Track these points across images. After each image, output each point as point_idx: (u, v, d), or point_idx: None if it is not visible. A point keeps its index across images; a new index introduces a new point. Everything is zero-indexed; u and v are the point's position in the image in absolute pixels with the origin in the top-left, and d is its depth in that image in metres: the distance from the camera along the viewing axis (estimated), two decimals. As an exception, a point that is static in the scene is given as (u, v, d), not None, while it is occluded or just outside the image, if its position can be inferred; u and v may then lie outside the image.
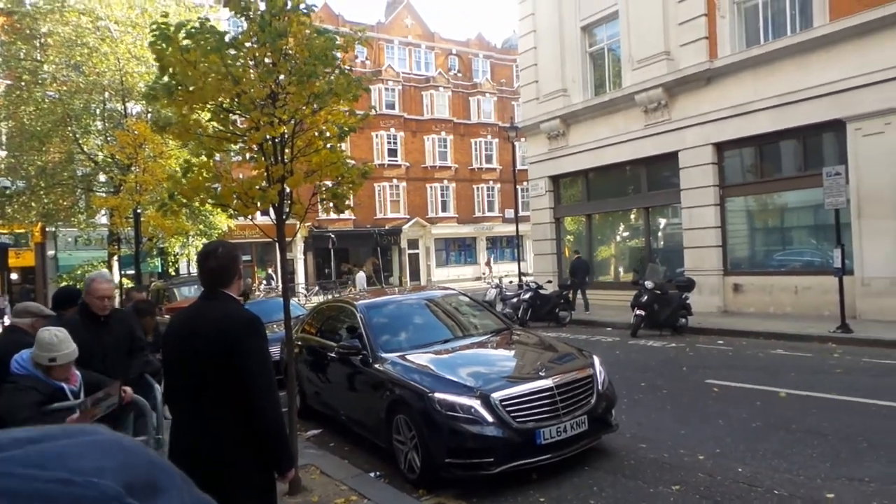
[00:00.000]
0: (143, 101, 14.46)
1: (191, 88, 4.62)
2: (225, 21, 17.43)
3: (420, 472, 5.13)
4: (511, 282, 19.31)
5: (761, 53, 13.36)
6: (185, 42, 4.55)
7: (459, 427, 4.88)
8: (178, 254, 21.84)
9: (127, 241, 18.72)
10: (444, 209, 41.93)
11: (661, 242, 17.05)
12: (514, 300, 15.78)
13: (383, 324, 6.59)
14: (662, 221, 17.04)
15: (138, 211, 15.35)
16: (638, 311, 12.52)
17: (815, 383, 7.62)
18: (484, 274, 38.69)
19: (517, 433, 4.89)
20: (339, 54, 5.03)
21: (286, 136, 4.94)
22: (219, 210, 7.52)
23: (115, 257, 19.46)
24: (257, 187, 4.94)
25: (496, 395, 4.99)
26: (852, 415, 6.26)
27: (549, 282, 17.16)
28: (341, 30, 6.51)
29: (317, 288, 33.05)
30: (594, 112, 17.49)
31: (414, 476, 5.21)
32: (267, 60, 4.82)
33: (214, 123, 5.03)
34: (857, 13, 11.67)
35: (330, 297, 25.87)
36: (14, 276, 26.44)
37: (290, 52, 4.81)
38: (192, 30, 4.57)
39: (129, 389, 4.16)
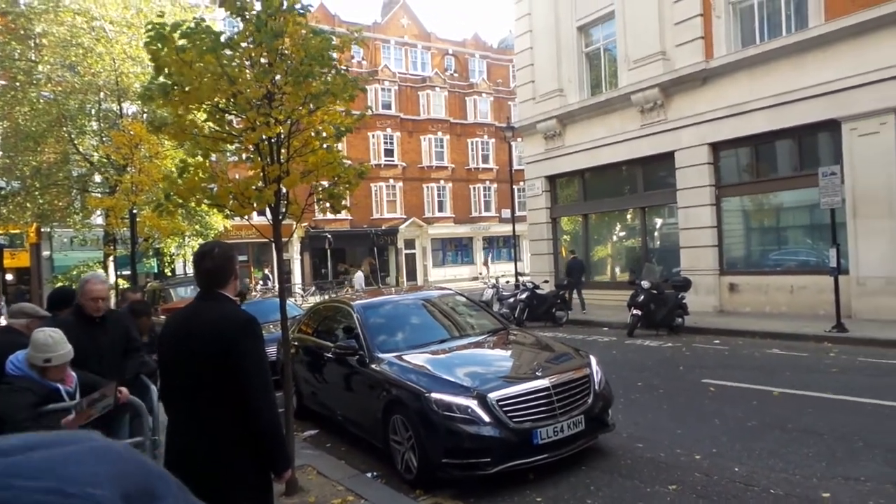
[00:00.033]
0: (139, 102, 14.39)
1: (186, 89, 4.61)
2: (220, 21, 17.38)
3: (417, 472, 5.13)
4: (508, 282, 19.32)
5: (757, 53, 13.40)
6: (181, 42, 4.54)
7: (456, 427, 4.88)
8: (174, 254, 21.79)
9: (123, 241, 18.67)
10: (440, 209, 41.94)
11: (658, 242, 17.08)
12: (511, 300, 15.78)
13: (380, 324, 6.58)
14: (659, 221, 17.08)
15: (134, 211, 15.31)
16: (634, 311, 12.53)
17: (811, 383, 7.65)
18: (481, 274, 38.69)
19: (514, 433, 4.90)
20: (335, 54, 5.03)
21: (282, 136, 4.94)
22: (215, 210, 7.49)
23: (111, 258, 19.42)
24: (254, 187, 4.94)
25: (493, 395, 4.99)
26: (848, 414, 6.28)
27: (546, 281, 17.18)
28: (337, 30, 6.51)
29: (313, 288, 33.01)
30: (590, 112, 17.51)
31: (411, 476, 5.20)
32: (263, 61, 4.82)
33: (210, 124, 5.02)
34: (853, 13, 11.71)
35: (327, 297, 25.86)
36: (9, 276, 26.32)
37: (287, 52, 4.80)
38: (188, 30, 4.56)
39: (124, 390, 4.15)
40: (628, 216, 17.81)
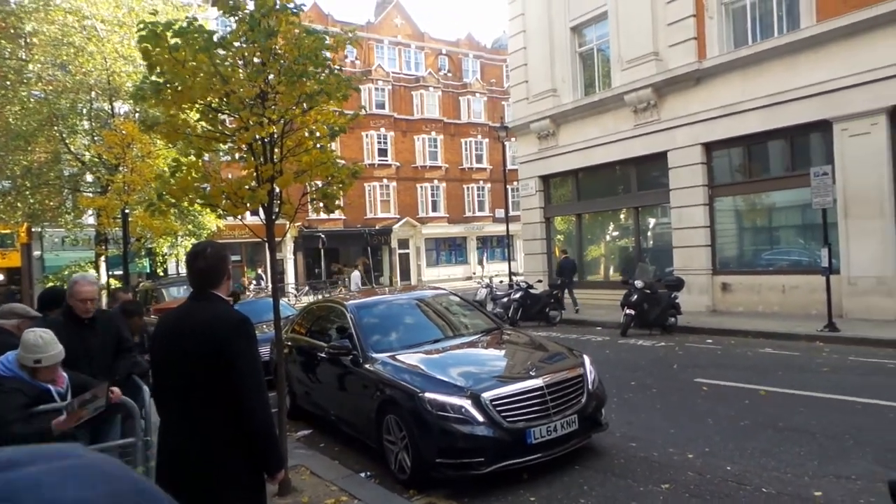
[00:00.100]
0: (131, 101, 14.30)
1: (179, 88, 4.58)
2: (213, 20, 17.31)
3: (410, 472, 5.12)
4: (501, 281, 19.33)
5: (750, 54, 13.46)
6: (174, 41, 4.52)
7: (450, 427, 4.88)
8: (166, 254, 21.67)
9: (114, 241, 18.55)
10: (434, 209, 41.91)
11: (651, 242, 17.14)
12: (505, 300, 15.81)
13: (373, 324, 6.57)
14: (652, 221, 17.13)
15: (126, 211, 15.22)
16: (628, 311, 12.57)
17: (803, 382, 7.69)
18: (475, 273, 38.70)
19: (508, 433, 4.90)
20: (328, 54, 5.02)
21: (276, 135, 4.92)
22: (208, 210, 7.46)
23: (103, 258, 19.29)
24: (247, 187, 4.92)
25: (486, 395, 4.99)
26: (839, 413, 6.32)
27: (540, 281, 17.22)
28: (331, 29, 6.49)
29: (307, 288, 32.93)
30: (584, 112, 17.54)
31: (404, 476, 5.20)
32: (256, 60, 4.80)
33: (203, 123, 5.00)
34: (844, 14, 11.78)
35: (320, 297, 25.79)
36: (0, 277, 26.17)
37: (280, 51, 4.79)
38: (181, 29, 4.54)
39: (116, 390, 4.12)
40: (622, 216, 17.86)
